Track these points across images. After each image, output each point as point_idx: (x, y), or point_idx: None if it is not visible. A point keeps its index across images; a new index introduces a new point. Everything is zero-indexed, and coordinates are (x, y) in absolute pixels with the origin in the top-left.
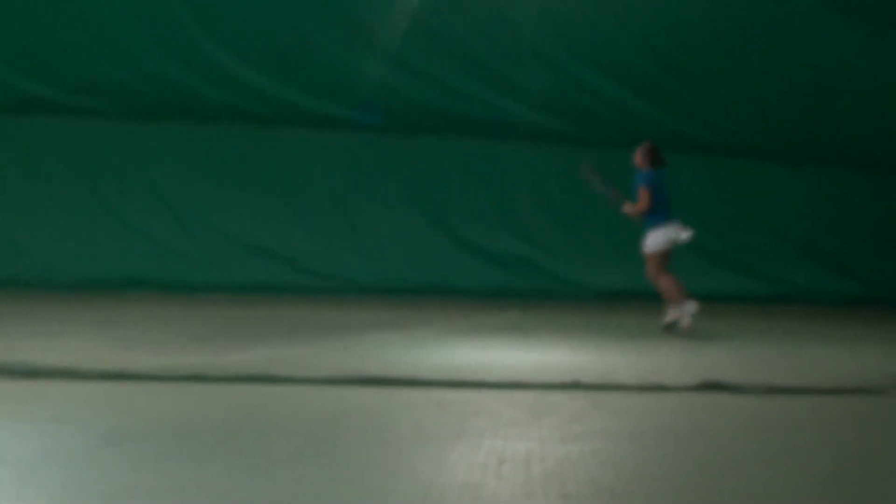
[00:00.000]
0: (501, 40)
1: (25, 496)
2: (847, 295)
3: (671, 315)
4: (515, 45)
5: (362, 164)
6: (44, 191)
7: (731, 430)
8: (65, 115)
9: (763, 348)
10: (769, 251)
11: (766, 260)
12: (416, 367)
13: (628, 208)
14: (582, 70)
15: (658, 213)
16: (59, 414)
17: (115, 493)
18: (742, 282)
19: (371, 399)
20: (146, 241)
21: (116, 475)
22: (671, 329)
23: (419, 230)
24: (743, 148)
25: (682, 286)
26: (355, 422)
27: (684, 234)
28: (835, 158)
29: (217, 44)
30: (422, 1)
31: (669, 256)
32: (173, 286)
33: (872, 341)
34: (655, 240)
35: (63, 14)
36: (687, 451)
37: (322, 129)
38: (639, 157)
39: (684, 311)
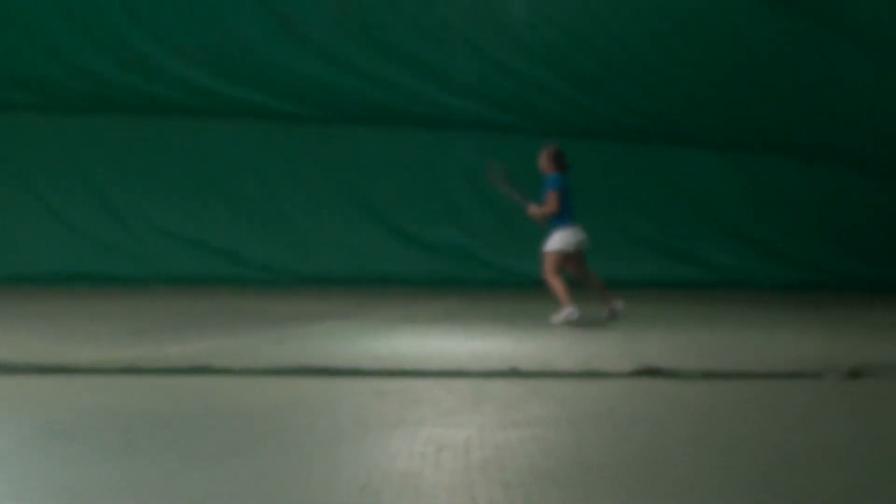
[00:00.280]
0: (431, 31)
1: None
2: (783, 280)
3: (561, 316)
4: (445, 36)
5: (295, 156)
6: None
7: (669, 415)
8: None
9: (700, 334)
10: (705, 237)
11: (701, 246)
12: (356, 357)
13: (534, 210)
14: (513, 60)
15: (564, 216)
16: None
17: (54, 491)
18: (678, 268)
19: (311, 389)
20: (81, 236)
21: (55, 472)
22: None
23: (354, 221)
24: (677, 135)
25: (599, 285)
26: (295, 412)
27: (580, 237)
28: (768, 146)
29: (148, 37)
30: None
31: (579, 259)
32: (109, 280)
33: (809, 326)
34: (560, 240)
35: None
36: (626, 437)
37: (255, 121)
38: (545, 161)
39: (563, 313)
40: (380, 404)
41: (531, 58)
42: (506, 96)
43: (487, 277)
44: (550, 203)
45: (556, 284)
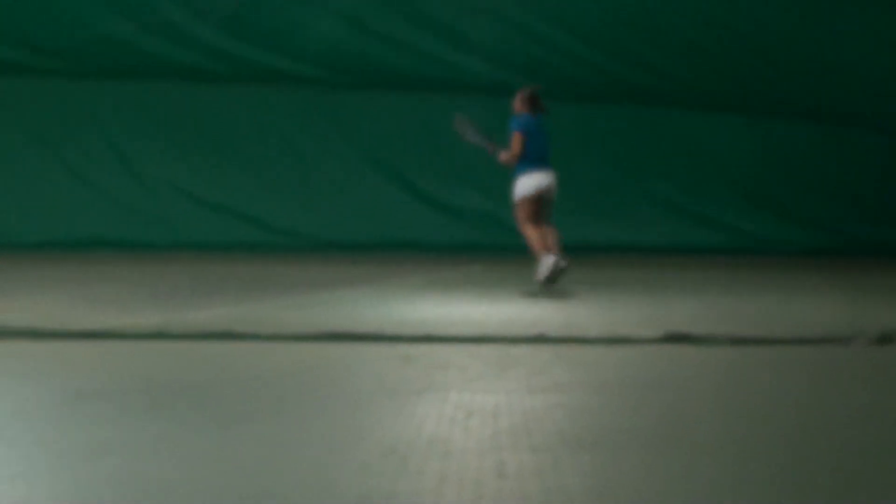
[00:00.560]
0: None
1: None
2: (806, 245)
3: (543, 269)
4: (467, 0)
5: (319, 121)
6: (1, 151)
7: (696, 381)
8: (22, 76)
9: (725, 299)
10: (728, 203)
11: (726, 211)
12: (381, 322)
13: (503, 156)
14: (534, 22)
15: (528, 160)
16: (23, 373)
17: (86, 449)
18: (704, 233)
19: (335, 355)
20: (106, 202)
21: (85, 432)
22: (550, 282)
23: (378, 186)
24: (700, 100)
25: (552, 241)
26: (320, 377)
27: (546, 181)
28: (791, 110)
29: (172, 2)
30: None
31: (544, 207)
32: (134, 246)
33: (835, 292)
34: (523, 186)
35: None
36: (652, 403)
37: (278, 87)
38: (517, 103)
39: (543, 265)
40: (406, 370)
41: (552, 21)
42: (528, 60)
43: (513, 243)
44: (514, 144)
45: (529, 234)
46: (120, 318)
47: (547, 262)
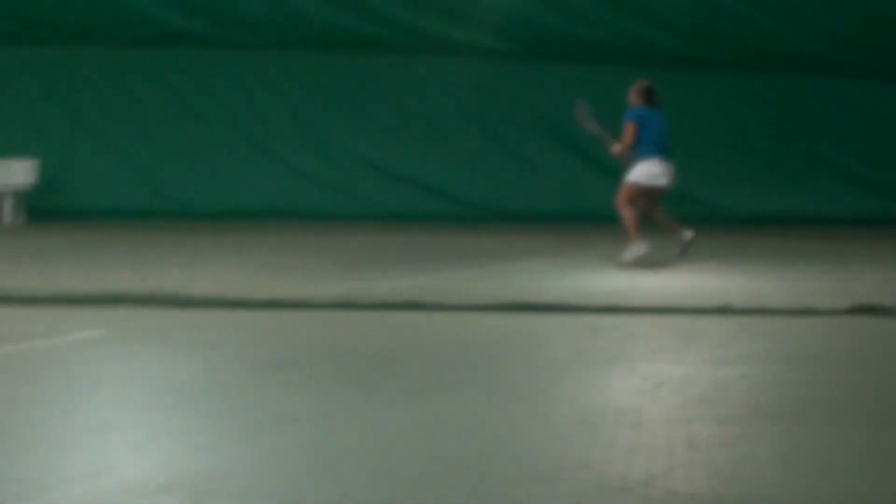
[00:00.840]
0: None
1: (187, 421)
2: None
3: (632, 253)
4: None
5: (501, 92)
6: (185, 122)
7: (883, 353)
8: (205, 47)
9: None
10: None
11: None
12: (568, 293)
13: (616, 148)
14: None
15: (648, 149)
16: (212, 341)
17: (276, 418)
18: (883, 204)
19: (523, 325)
20: (287, 171)
21: (274, 400)
22: (683, 254)
23: (560, 157)
24: (879, 69)
25: (671, 219)
26: (509, 348)
27: (664, 179)
28: None
29: None
30: None
31: (654, 196)
32: (320, 216)
33: None
34: (640, 173)
35: None
36: (839, 374)
37: (461, 58)
38: (633, 95)
39: (633, 249)
40: (594, 340)
41: None
42: (711, 32)
43: (699, 214)
44: (626, 135)
45: (627, 216)
46: (305, 288)
47: (638, 249)
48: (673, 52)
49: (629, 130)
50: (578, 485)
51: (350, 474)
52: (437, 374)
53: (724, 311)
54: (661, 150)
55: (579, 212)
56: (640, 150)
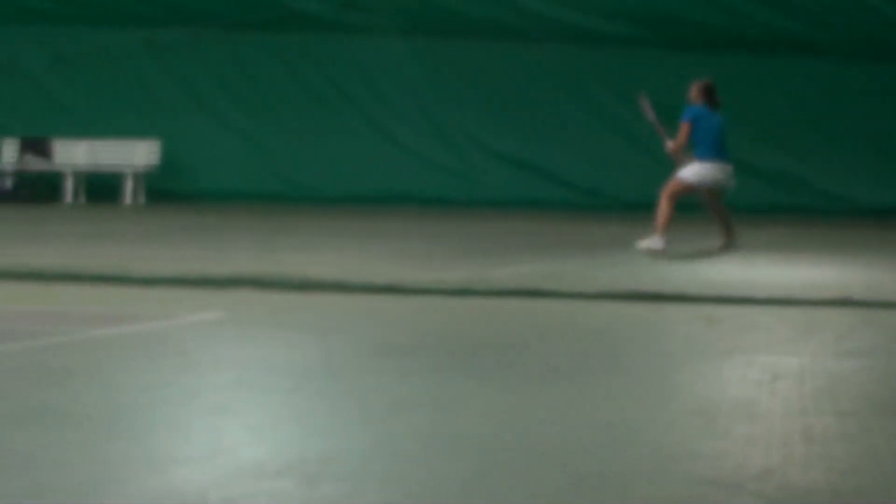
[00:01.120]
0: None
1: (304, 405)
2: None
3: (650, 244)
4: None
5: (622, 79)
6: (307, 106)
7: None
8: (329, 31)
9: None
10: None
11: None
12: (686, 283)
13: (670, 145)
14: None
15: (708, 149)
16: (331, 325)
17: (392, 403)
18: None
19: (641, 314)
20: (411, 157)
21: (391, 385)
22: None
23: None
24: None
25: (729, 222)
26: (627, 336)
27: (730, 182)
28: None
29: None
30: None
31: (717, 195)
32: (438, 201)
33: None
34: (696, 173)
35: None
36: None
37: (580, 45)
38: (694, 93)
39: (653, 241)
40: (711, 331)
41: None
42: (847, 20)
43: (817, 205)
44: (680, 134)
45: (664, 209)
46: (424, 274)
47: (657, 244)
48: (807, 43)
49: (683, 130)
50: (692, 476)
51: (463, 461)
52: (554, 361)
53: (844, 303)
54: (717, 152)
55: (698, 201)
56: (696, 150)
